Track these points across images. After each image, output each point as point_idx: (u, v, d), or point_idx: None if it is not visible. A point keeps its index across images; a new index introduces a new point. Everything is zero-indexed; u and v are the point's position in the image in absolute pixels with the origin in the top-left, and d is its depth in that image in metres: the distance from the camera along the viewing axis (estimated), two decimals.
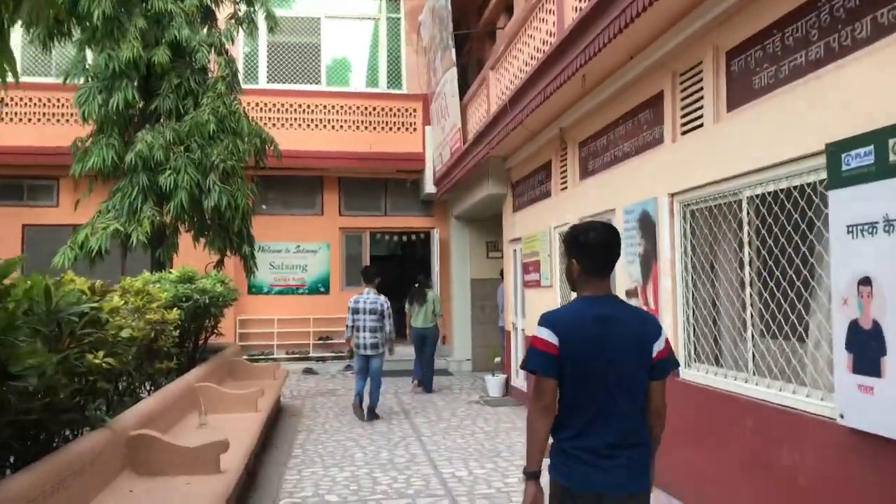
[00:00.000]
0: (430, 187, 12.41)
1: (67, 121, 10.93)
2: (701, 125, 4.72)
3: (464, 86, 10.39)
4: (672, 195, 5.09)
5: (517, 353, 9.51)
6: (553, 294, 7.73)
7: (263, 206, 12.51)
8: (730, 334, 4.59)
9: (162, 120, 8.18)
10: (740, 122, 4.25)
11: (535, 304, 8.53)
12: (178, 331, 5.78)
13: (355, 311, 7.93)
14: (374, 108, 12.57)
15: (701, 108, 4.72)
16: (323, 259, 12.96)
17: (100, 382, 3.62)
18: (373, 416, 7.98)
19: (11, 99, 11.14)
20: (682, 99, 4.97)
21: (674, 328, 5.04)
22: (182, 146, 7.95)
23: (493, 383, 9.57)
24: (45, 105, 11.33)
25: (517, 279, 9.54)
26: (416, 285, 10.25)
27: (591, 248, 2.37)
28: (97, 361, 3.49)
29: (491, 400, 9.26)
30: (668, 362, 2.38)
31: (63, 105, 11.03)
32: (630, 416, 2.30)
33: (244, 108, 9.25)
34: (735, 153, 4.27)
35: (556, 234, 7.71)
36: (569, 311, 2.41)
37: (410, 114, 12.69)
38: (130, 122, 8.32)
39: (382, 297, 8.04)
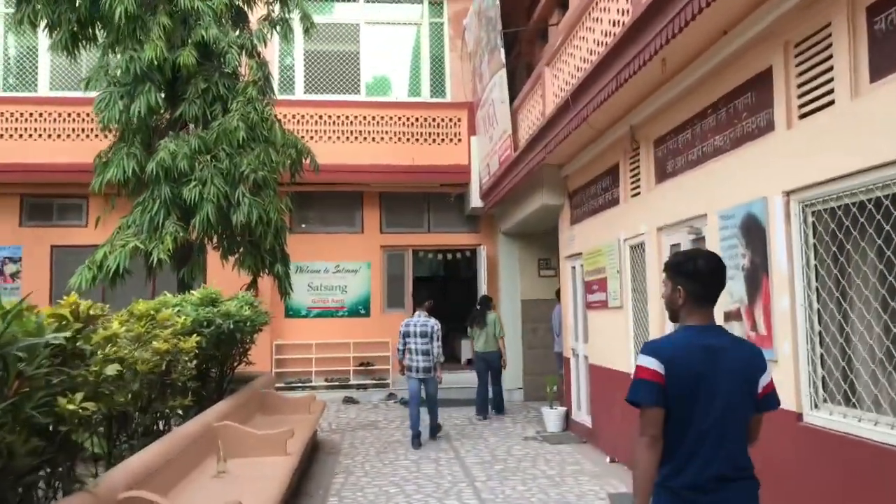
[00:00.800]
0: (476, 201, 11.56)
1: (97, 136, 10.40)
2: (830, 103, 3.76)
3: (512, 92, 9.55)
4: (788, 193, 4.12)
5: (578, 383, 8.50)
6: (623, 316, 6.73)
7: (303, 225, 11.84)
8: (876, 367, 3.57)
9: (188, 127, 7.51)
10: (893, 94, 3.28)
11: (600, 328, 7.53)
12: (195, 361, 5.02)
13: (406, 335, 7.98)
14: (417, 119, 11.81)
15: (829, 81, 3.76)
16: (363, 279, 12.17)
17: (75, 433, 2.84)
18: (435, 432, 8.11)
19: (41, 114, 10.72)
20: (800, 74, 4.02)
21: (793, 358, 4.04)
22: (209, 155, 7.23)
23: (552, 417, 8.56)
24: (74, 120, 10.84)
25: (577, 300, 8.57)
26: (478, 307, 9.97)
27: (701, 275, 2.33)
28: (72, 407, 2.72)
29: (549, 436, 8.24)
30: (773, 398, 2.35)
31: (93, 120, 10.53)
32: (737, 450, 2.25)
33: (278, 116, 8.56)
34: (884, 135, 3.30)
35: (626, 246, 6.75)
36: (674, 340, 2.35)
37: (455, 123, 11.89)
38: (155, 130, 7.67)
39: (433, 320, 8.05)
